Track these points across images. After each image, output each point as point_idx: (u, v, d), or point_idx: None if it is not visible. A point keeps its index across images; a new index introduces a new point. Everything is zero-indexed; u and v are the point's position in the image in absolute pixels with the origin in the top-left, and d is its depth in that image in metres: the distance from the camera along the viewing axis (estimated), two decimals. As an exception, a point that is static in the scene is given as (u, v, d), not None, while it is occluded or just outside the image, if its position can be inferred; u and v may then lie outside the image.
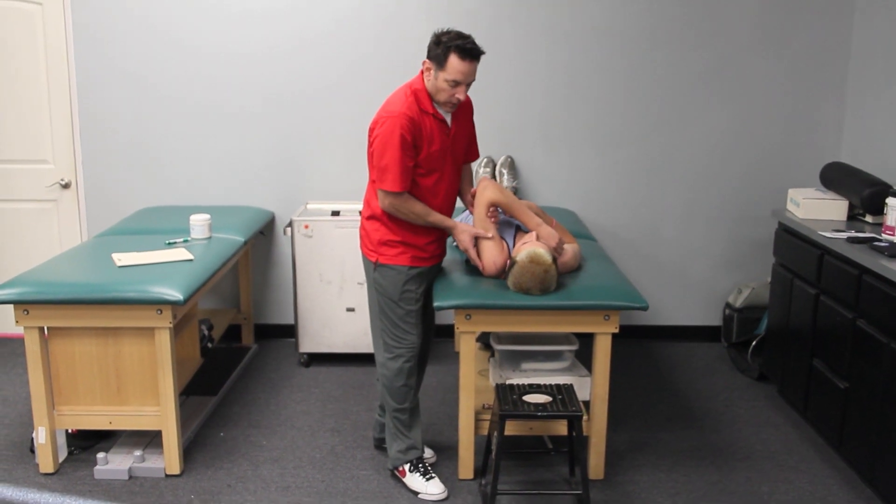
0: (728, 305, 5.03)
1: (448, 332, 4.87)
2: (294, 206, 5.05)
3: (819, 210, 4.11)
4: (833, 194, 4.20)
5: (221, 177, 5.03)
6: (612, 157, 5.01)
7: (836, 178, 4.21)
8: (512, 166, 4.86)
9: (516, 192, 4.83)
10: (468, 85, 3.20)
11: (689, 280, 5.20)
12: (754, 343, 4.63)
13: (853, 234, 3.74)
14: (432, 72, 3.18)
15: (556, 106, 4.95)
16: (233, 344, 5.06)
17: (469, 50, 3.12)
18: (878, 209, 3.90)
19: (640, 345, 5.17)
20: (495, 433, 3.23)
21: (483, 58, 3.22)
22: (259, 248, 5.14)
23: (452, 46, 3.11)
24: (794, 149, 5.00)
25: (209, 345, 4.32)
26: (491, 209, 3.43)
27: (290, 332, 5.15)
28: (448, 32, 3.17)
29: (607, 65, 4.90)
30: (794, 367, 4.08)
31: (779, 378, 4.31)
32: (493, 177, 4.76)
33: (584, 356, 3.72)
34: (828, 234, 3.76)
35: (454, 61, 3.11)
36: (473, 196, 3.51)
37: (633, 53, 4.89)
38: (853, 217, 4.11)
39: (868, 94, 4.68)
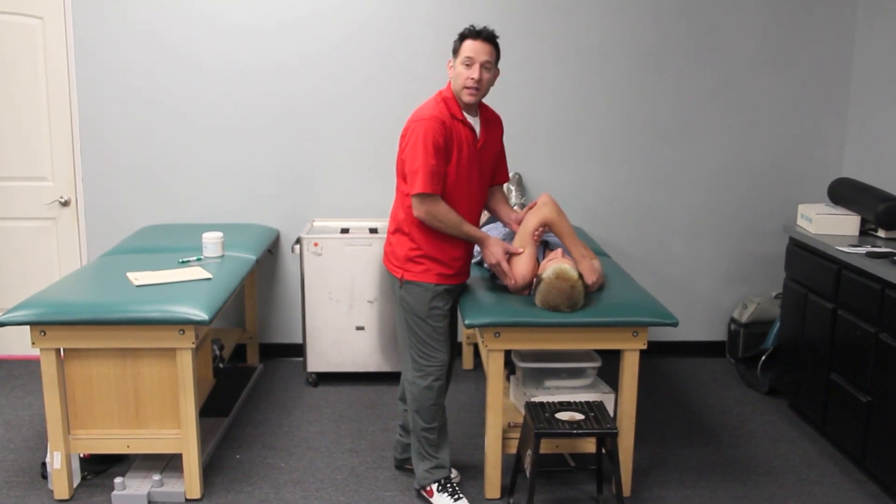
0: (733, 320, 5.06)
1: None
2: (300, 223, 4.98)
3: (832, 225, 4.15)
4: (843, 210, 4.24)
5: (224, 194, 4.95)
6: (619, 173, 5.03)
7: (847, 193, 4.25)
8: (520, 183, 4.85)
9: (523, 208, 4.81)
10: (485, 68, 3.22)
11: (694, 295, 5.21)
12: (763, 357, 4.66)
13: (871, 248, 3.78)
14: (453, 66, 3.28)
15: (564, 122, 4.96)
16: (237, 363, 4.97)
17: (479, 31, 3.23)
18: (892, 224, 3.95)
19: (646, 361, 5.16)
20: (528, 451, 3.19)
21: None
22: (264, 267, 5.06)
23: (465, 33, 3.25)
24: (798, 165, 5.05)
25: (220, 365, 4.24)
26: (541, 228, 3.43)
27: (294, 351, 5.07)
28: None
29: (614, 81, 4.93)
30: (810, 382, 4.11)
31: (792, 392, 4.33)
32: (503, 193, 4.74)
33: (602, 373, 3.71)
34: (846, 249, 3.79)
35: (466, 43, 3.23)
36: (518, 213, 3.58)
37: (640, 70, 4.92)
38: (864, 232, 4.16)
39: (870, 110, 4.75)
